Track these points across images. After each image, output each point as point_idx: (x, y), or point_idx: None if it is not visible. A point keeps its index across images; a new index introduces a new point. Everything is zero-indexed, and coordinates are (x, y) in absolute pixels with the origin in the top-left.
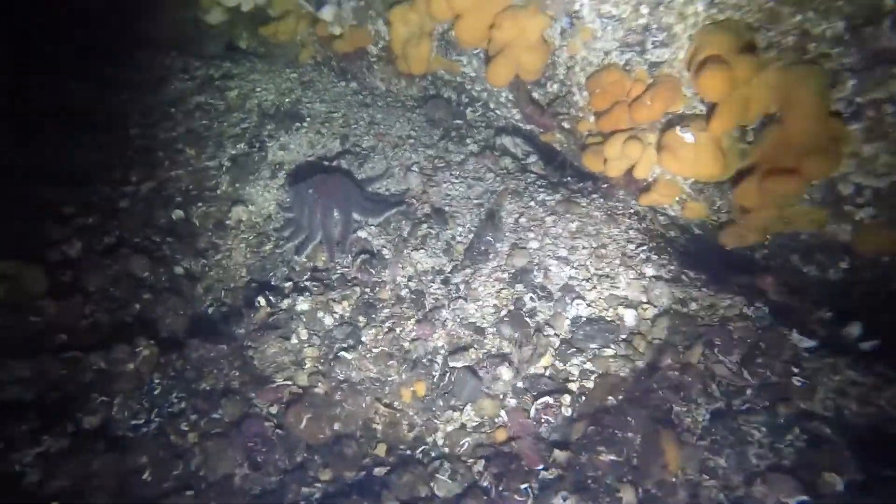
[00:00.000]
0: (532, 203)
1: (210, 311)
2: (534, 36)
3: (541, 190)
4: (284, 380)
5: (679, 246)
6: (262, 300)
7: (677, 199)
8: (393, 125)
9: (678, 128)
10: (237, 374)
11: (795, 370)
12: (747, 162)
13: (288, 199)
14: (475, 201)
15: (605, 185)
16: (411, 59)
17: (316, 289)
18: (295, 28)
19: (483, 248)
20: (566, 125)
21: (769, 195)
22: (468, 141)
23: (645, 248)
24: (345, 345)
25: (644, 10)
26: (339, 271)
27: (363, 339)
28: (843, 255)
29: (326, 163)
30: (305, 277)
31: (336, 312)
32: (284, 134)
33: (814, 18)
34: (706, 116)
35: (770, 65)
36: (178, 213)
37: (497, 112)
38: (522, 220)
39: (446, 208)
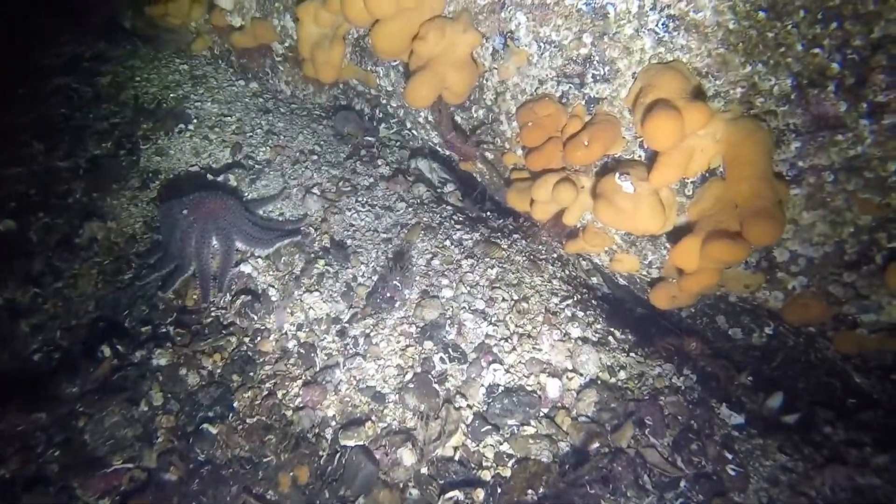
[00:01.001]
0: (447, 242)
1: (36, 357)
2: (462, 53)
3: (458, 226)
4: (125, 461)
5: (604, 296)
6: (107, 349)
7: (606, 249)
8: (295, 137)
9: (616, 175)
10: (57, 454)
11: (729, 456)
12: (685, 218)
13: (159, 218)
14: (383, 235)
15: (528, 224)
16: (320, 65)
17: (180, 338)
18: (188, 12)
19: (388, 294)
20: (490, 156)
21: (712, 261)
22: (379, 162)
23: (570, 301)
24: (211, 413)
25: (587, 39)
26: (213, 314)
27: (235, 404)
28: (770, 320)
29: (211, 176)
30: (169, 320)
31: (204, 368)
32: (164, 136)
33: (763, 72)
34: (646, 164)
35: (716, 116)
36: (7, 224)
37: (414, 132)
38: (436, 262)
39: (349, 241)
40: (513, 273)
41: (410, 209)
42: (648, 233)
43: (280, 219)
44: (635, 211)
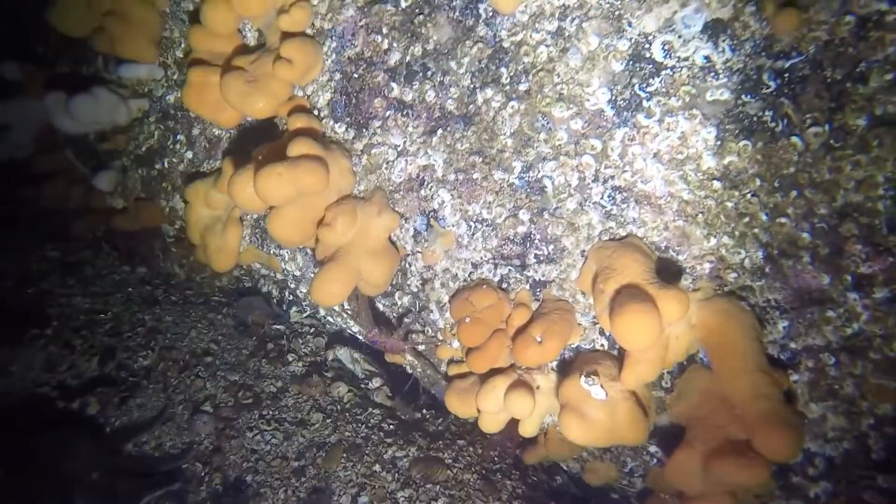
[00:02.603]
0: (377, 467)
1: None
2: (378, 238)
3: (388, 439)
4: None
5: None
6: None
7: (575, 458)
8: (186, 334)
9: (582, 379)
10: None
11: None
12: (666, 418)
13: None
14: (294, 463)
15: (469, 422)
16: (213, 253)
17: None
18: (66, 193)
19: None
20: (421, 347)
21: (722, 485)
22: (290, 357)
23: None
24: None
25: (524, 216)
26: None
27: None
28: None
29: (62, 402)
30: None
31: None
32: (6, 349)
33: (730, 245)
34: (611, 355)
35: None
36: None
37: (329, 318)
38: (363, 499)
39: (248, 478)
40: (462, 501)
41: (329, 420)
42: (630, 444)
43: (156, 454)
44: (612, 422)
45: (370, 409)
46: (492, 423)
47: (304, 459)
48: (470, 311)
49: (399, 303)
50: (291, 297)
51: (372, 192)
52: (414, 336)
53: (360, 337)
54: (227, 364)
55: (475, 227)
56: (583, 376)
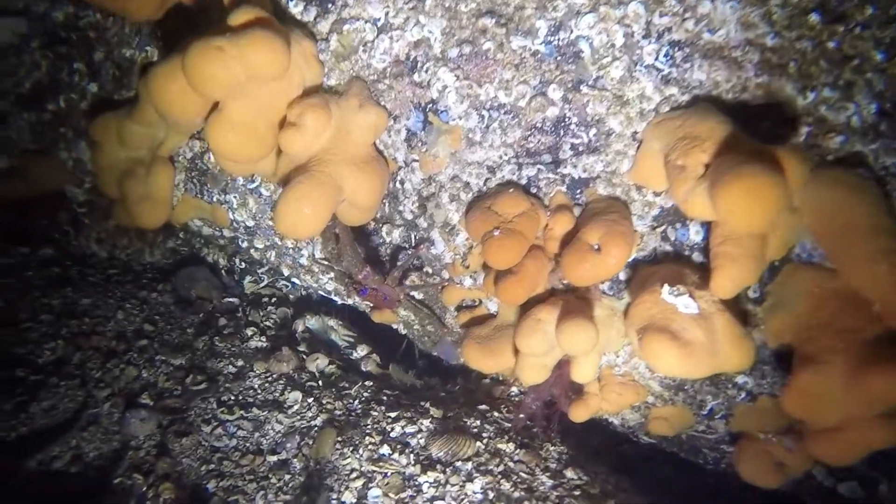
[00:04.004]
0: (385, 449)
1: None
2: (362, 142)
3: (392, 413)
4: None
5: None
6: None
7: (635, 406)
8: (111, 315)
9: (665, 289)
10: None
11: None
12: (762, 336)
13: None
14: (272, 458)
15: (488, 382)
16: (137, 205)
17: None
18: None
19: None
20: (418, 294)
21: (875, 403)
22: (249, 332)
23: None
24: None
25: (555, 93)
26: None
27: None
28: None
29: None
30: None
31: None
32: None
33: (832, 99)
34: (680, 265)
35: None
36: None
37: (294, 280)
38: (374, 492)
39: (212, 487)
40: (509, 481)
41: (311, 400)
42: (736, 370)
43: (73, 469)
44: (711, 342)
45: (361, 382)
46: (535, 371)
47: (284, 451)
48: (496, 222)
49: (388, 240)
50: (243, 264)
51: (348, 84)
52: (411, 281)
53: (336, 298)
54: (167, 346)
55: (490, 116)
56: (665, 286)
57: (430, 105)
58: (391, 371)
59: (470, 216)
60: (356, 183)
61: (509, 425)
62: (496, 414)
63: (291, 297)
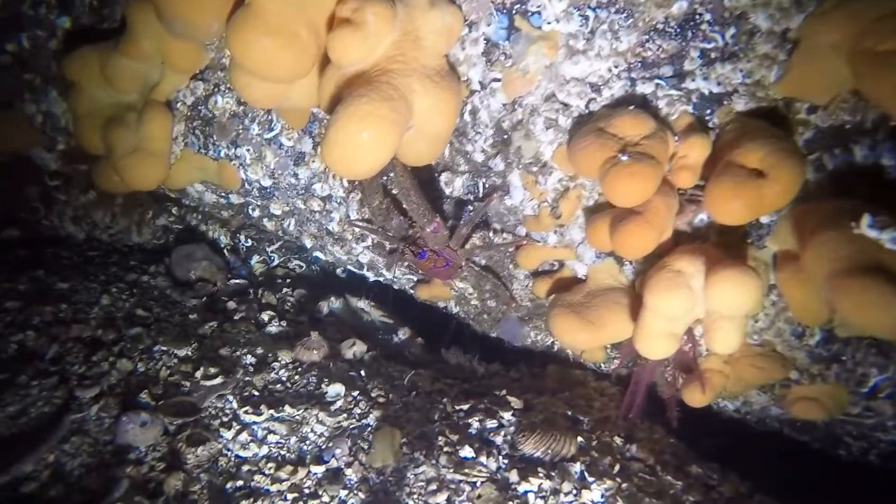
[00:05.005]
0: (466, 451)
1: None
2: (434, 52)
3: (462, 406)
4: None
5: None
6: None
7: (770, 381)
8: (95, 301)
9: (866, 220)
10: None
11: None
12: None
13: None
14: (317, 470)
15: (554, 367)
16: (127, 160)
17: None
18: None
19: None
20: (483, 260)
21: None
22: (265, 317)
23: None
24: None
25: None
26: None
27: None
28: None
29: None
30: None
31: None
32: None
33: None
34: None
35: None
36: None
37: (319, 254)
38: None
39: None
40: (631, 483)
41: (356, 393)
42: None
43: (51, 493)
44: None
45: (411, 369)
46: (664, 341)
47: (333, 459)
48: (618, 146)
49: (448, 191)
50: (251, 241)
51: None
52: (474, 242)
53: (370, 273)
54: (168, 335)
55: (596, 16)
56: (867, 217)
57: (518, 5)
58: (448, 355)
59: (578, 143)
60: (431, 101)
61: (606, 414)
62: (581, 402)
63: (309, 274)
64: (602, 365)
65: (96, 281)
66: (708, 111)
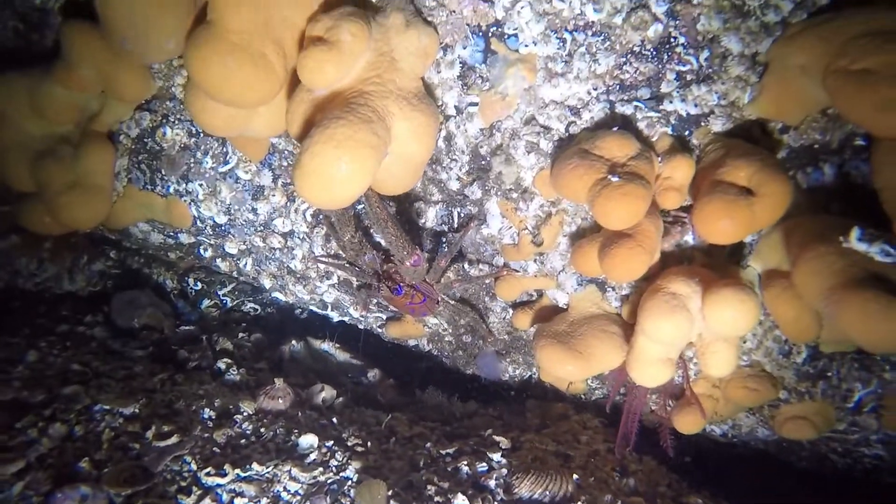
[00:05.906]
0: (460, 498)
1: None
2: (411, 74)
3: (447, 450)
4: None
5: None
6: None
7: (762, 402)
8: (19, 358)
9: (855, 233)
10: None
11: None
12: None
13: None
14: None
15: (534, 401)
16: (65, 197)
17: None
18: None
19: None
20: (467, 289)
21: None
22: (221, 365)
23: None
24: None
25: (659, 5)
26: None
27: None
28: None
29: None
30: None
31: None
32: None
33: None
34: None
35: None
36: None
37: (278, 297)
38: None
39: None
40: None
41: (331, 443)
42: None
43: None
44: None
45: (387, 413)
46: (659, 367)
47: None
48: (606, 167)
49: (420, 221)
50: (199, 284)
51: None
52: (452, 275)
53: (334, 314)
54: (110, 391)
55: (574, 39)
56: (856, 230)
57: (494, 27)
58: (425, 396)
59: (563, 165)
60: (409, 126)
61: (595, 448)
62: (568, 436)
63: (265, 317)
64: (582, 396)
65: (19, 335)
66: (686, 132)
